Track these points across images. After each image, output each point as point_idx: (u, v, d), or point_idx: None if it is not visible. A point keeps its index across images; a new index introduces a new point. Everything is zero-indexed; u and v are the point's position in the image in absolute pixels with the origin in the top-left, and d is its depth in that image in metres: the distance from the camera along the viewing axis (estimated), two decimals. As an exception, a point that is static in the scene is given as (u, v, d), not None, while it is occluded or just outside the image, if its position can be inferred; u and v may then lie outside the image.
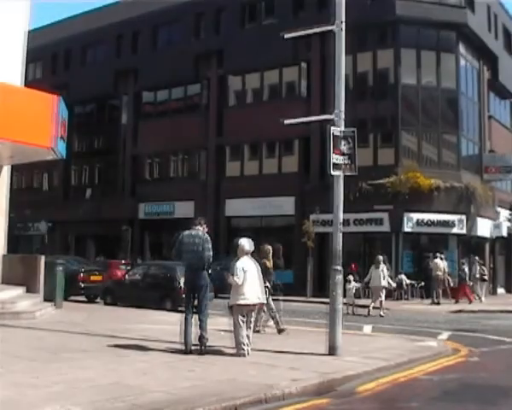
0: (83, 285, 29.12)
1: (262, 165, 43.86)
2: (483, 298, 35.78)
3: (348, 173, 13.77)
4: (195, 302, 13.15)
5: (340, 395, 10.32)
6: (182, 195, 45.21)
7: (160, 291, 25.28)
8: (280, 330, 17.32)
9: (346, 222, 36.81)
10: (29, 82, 42.92)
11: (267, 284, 16.84)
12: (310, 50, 40.19)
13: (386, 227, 37.80)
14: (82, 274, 29.38)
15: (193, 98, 48.98)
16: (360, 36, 39.37)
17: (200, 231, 13.06)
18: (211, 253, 12.86)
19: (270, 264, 17.56)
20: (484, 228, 41.10)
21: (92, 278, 29.73)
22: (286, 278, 40.26)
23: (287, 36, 14.86)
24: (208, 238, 12.98)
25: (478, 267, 36.58)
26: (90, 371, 10.50)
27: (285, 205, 41.20)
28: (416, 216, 37.63)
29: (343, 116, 13.63)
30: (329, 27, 14.05)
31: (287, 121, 15.67)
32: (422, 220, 37.67)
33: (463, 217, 38.42)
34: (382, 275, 27.22)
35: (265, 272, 17.03)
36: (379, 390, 10.88)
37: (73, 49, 54.93)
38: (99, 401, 8.28)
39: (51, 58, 56.58)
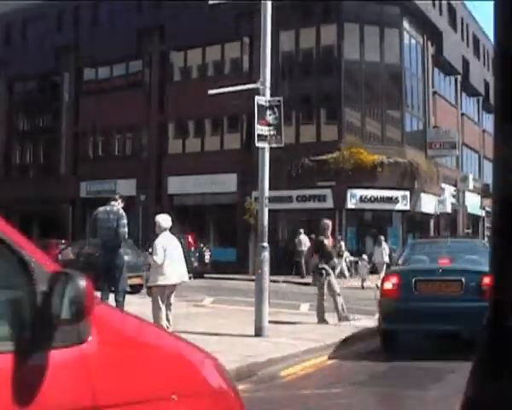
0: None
1: (204, 141, 43.16)
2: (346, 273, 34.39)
3: (274, 145, 13.22)
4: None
5: (260, 380, 9.75)
6: (124, 173, 44.26)
7: (95, 272, 24.29)
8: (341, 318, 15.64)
9: (288, 199, 37.19)
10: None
11: (324, 266, 15.58)
12: (252, 25, 39.42)
13: (329, 204, 37.29)
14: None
15: (135, 75, 47.91)
16: (303, 11, 38.88)
17: (116, 206, 12.36)
18: (126, 229, 12.16)
19: (328, 242, 16.17)
20: (428, 204, 40.89)
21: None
22: (229, 256, 39.96)
23: (211, 2, 14.28)
24: (124, 214, 12.28)
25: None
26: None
27: (228, 182, 40.46)
28: (359, 192, 37.24)
29: (268, 85, 13.10)
30: (255, -8, 13.51)
31: (210, 91, 15.15)
32: (366, 197, 37.27)
33: (407, 193, 38.08)
34: (384, 252, 31.55)
35: (322, 252, 15.86)
36: (303, 375, 10.36)
37: (13, 24, 53.41)
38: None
39: (-10, 34, 55.13)
